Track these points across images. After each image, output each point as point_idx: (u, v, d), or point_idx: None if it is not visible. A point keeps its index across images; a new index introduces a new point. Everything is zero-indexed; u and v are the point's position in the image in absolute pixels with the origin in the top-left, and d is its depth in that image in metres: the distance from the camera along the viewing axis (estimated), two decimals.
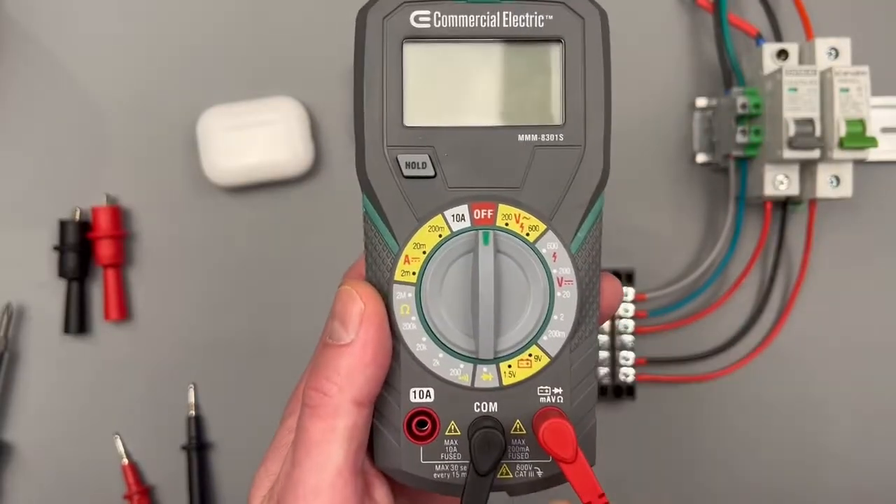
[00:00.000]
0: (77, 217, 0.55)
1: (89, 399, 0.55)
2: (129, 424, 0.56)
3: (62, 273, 0.54)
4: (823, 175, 0.51)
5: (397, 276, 0.29)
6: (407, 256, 0.29)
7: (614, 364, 0.54)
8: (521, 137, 0.29)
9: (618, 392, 0.54)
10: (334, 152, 0.56)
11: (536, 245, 0.29)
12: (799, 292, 0.55)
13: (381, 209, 0.29)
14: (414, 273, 0.29)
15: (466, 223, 0.29)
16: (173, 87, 0.56)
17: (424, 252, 0.29)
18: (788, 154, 0.49)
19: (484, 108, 0.30)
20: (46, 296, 0.55)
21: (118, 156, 0.56)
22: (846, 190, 0.52)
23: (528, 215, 0.29)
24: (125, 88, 0.56)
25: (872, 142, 0.49)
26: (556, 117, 0.29)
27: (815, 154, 0.50)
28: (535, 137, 0.29)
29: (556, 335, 0.30)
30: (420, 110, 0.29)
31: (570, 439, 0.27)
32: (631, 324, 0.54)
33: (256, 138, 0.53)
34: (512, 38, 0.29)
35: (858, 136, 0.49)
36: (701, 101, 0.56)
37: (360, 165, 0.29)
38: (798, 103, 0.49)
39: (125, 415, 0.55)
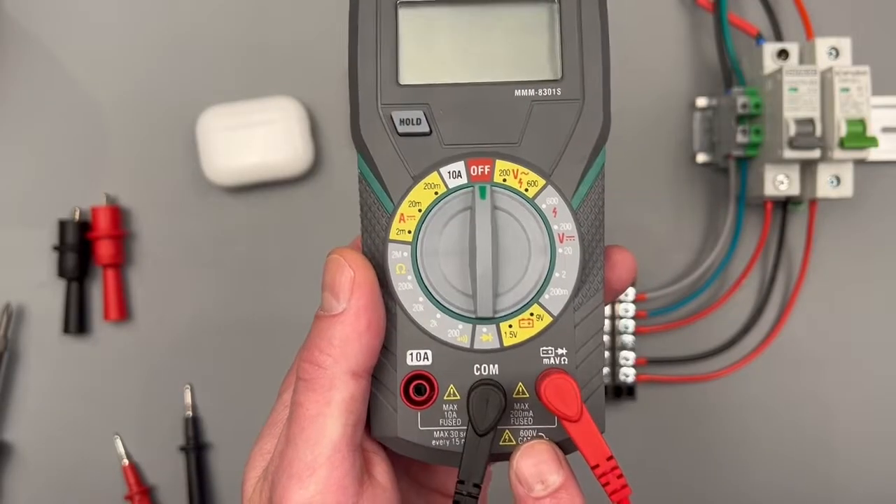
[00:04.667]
0: (76, 217, 0.55)
1: (89, 399, 0.55)
2: (128, 424, 0.55)
3: (62, 273, 0.54)
4: (824, 175, 0.51)
5: (392, 235, 0.28)
6: (402, 215, 0.28)
7: (615, 364, 0.54)
8: (517, 92, 0.29)
9: (618, 392, 0.54)
10: (334, 152, 0.56)
11: (536, 200, 0.29)
12: (799, 292, 0.55)
13: (376, 168, 0.29)
14: (409, 231, 0.28)
15: (463, 180, 0.29)
16: (173, 87, 0.56)
17: (420, 210, 0.29)
18: (789, 154, 0.49)
19: (479, 65, 0.29)
20: (46, 296, 0.55)
21: (117, 156, 0.56)
22: (847, 190, 0.52)
23: (526, 170, 0.29)
24: (124, 88, 0.56)
25: (873, 142, 0.49)
26: (554, 71, 0.29)
27: (816, 154, 0.49)
28: (532, 92, 0.29)
29: (558, 293, 0.29)
30: (415, 69, 0.29)
31: (573, 395, 0.26)
32: (631, 324, 0.53)
33: (256, 138, 0.53)
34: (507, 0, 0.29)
35: (859, 136, 0.49)
36: (701, 101, 0.55)
37: (354, 124, 0.29)
38: (798, 103, 0.49)
39: (125, 414, 0.55)
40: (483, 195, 0.28)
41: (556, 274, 0.29)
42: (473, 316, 0.28)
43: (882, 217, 0.56)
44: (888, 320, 0.56)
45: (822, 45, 0.51)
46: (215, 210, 0.55)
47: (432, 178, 0.29)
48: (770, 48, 0.52)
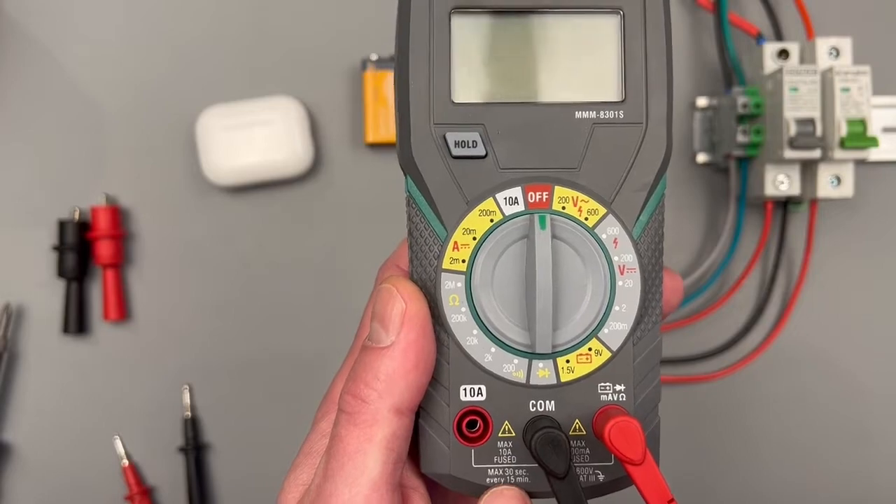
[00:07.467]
0: (76, 217, 0.55)
1: (88, 399, 0.55)
2: (128, 424, 0.55)
3: (61, 273, 0.54)
4: (824, 175, 0.51)
5: (445, 265, 0.27)
6: (456, 243, 0.27)
7: None
8: (578, 115, 0.28)
9: None
10: (334, 152, 0.56)
11: (596, 230, 0.28)
12: (800, 292, 0.55)
13: (428, 192, 0.27)
14: (464, 261, 0.27)
15: (520, 206, 0.27)
16: (172, 87, 0.56)
17: (475, 238, 0.27)
18: (789, 154, 0.49)
19: (538, 83, 0.28)
20: (46, 296, 0.55)
21: (117, 155, 0.56)
22: (847, 190, 0.51)
23: (586, 198, 0.27)
24: (124, 88, 0.56)
25: (873, 142, 0.49)
26: (616, 93, 0.28)
27: (816, 154, 0.49)
28: (593, 115, 0.28)
29: (617, 327, 0.28)
30: (469, 86, 0.28)
31: (638, 439, 0.25)
32: None
33: (256, 138, 0.53)
34: (568, 9, 0.28)
35: (859, 136, 0.49)
36: (701, 101, 0.55)
37: (403, 145, 0.28)
38: (799, 103, 0.49)
39: (124, 415, 0.55)
40: (543, 225, 0.27)
41: (615, 308, 0.28)
42: (530, 351, 0.27)
43: (882, 217, 0.56)
44: (889, 320, 0.56)
45: (823, 44, 0.51)
46: (215, 210, 0.55)
47: (487, 203, 0.27)
48: (770, 48, 0.52)
